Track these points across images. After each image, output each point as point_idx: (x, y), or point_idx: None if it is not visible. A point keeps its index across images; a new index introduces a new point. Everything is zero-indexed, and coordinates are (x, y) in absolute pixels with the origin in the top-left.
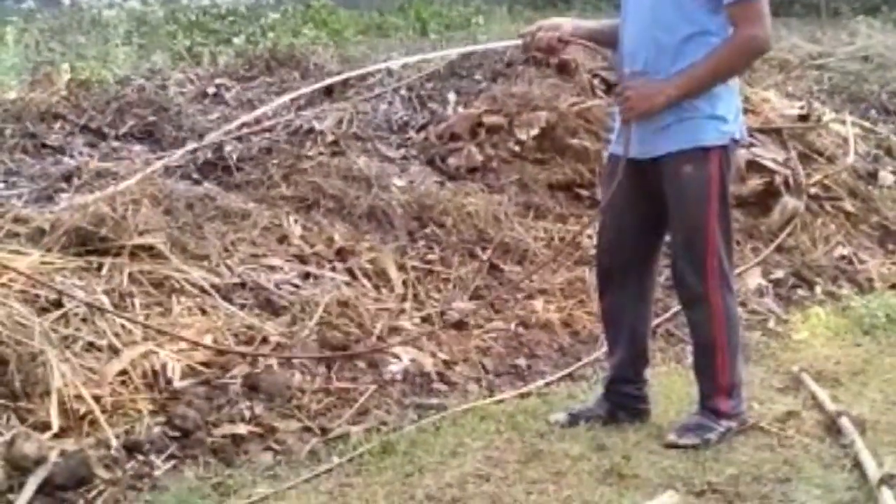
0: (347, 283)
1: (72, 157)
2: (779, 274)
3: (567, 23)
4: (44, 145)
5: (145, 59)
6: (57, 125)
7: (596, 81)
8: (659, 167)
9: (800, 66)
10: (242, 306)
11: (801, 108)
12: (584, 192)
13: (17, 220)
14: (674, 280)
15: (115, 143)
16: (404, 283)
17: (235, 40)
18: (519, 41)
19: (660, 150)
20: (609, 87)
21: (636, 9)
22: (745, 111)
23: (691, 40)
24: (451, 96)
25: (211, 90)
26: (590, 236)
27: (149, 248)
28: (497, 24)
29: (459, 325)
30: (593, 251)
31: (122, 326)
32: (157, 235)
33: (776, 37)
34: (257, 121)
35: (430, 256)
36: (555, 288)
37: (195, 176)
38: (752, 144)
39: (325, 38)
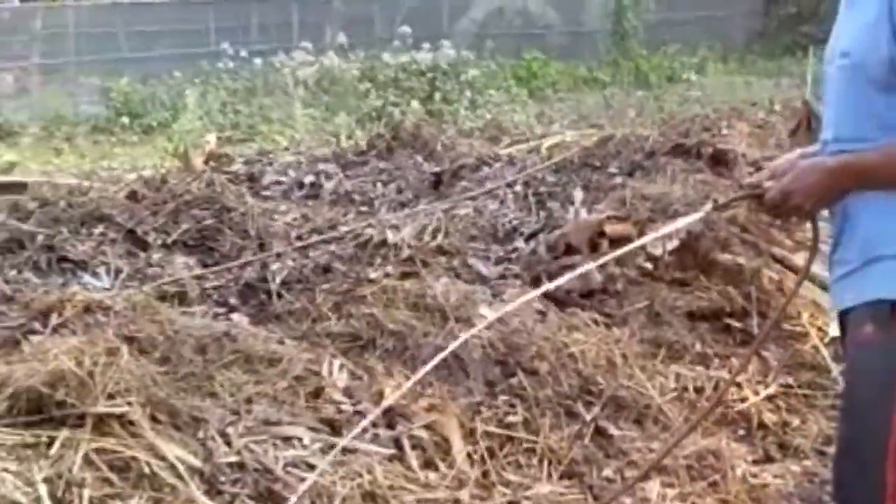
0: (389, 460)
1: (94, 274)
2: None
3: None
4: (63, 259)
5: (328, 122)
6: (99, 228)
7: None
8: (846, 325)
9: None
10: (232, 499)
11: None
12: (736, 324)
13: None
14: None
15: (157, 255)
16: (469, 457)
17: (414, 103)
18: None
19: (843, 300)
20: None
21: (826, 112)
22: None
23: None
24: (578, 194)
25: (308, 179)
26: (739, 385)
27: (120, 416)
28: (712, 76)
29: None
30: (740, 406)
31: None
32: (134, 397)
33: None
34: (332, 226)
35: (510, 418)
36: (679, 464)
37: (232, 302)
38: None
39: (525, 95)
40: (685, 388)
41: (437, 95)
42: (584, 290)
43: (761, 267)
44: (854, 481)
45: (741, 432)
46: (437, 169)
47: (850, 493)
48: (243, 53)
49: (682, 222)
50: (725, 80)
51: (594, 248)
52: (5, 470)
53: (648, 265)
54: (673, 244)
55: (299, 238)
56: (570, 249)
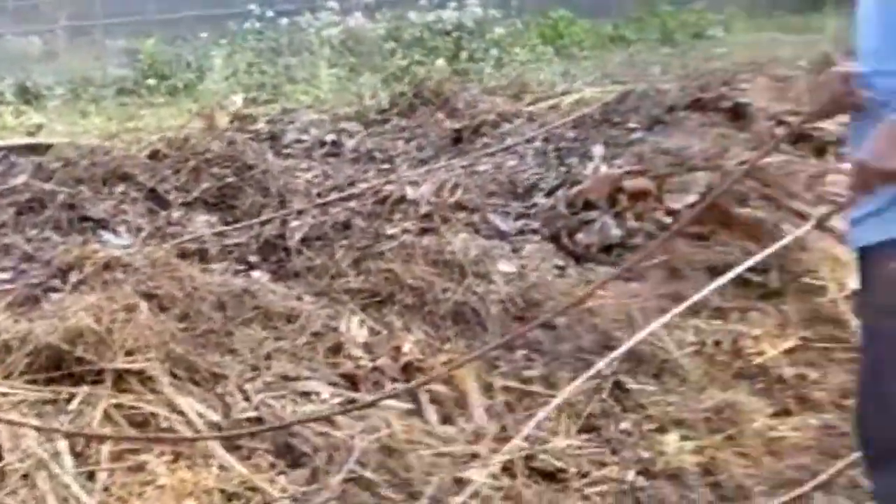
0: (408, 414)
1: (114, 232)
2: None
3: None
4: (83, 217)
5: (353, 82)
6: (120, 187)
7: (779, 130)
8: (867, 264)
9: None
10: (249, 454)
11: None
12: (755, 279)
13: None
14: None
15: (177, 213)
16: (487, 411)
17: (440, 62)
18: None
19: (867, 238)
20: (799, 138)
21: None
22: None
23: None
24: (597, 149)
25: (330, 137)
26: (756, 337)
27: (139, 372)
28: (738, 32)
29: (553, 476)
30: (759, 359)
31: (67, 487)
32: (154, 353)
33: None
34: (352, 184)
35: (528, 372)
36: (697, 417)
37: (252, 259)
38: None
39: (551, 53)
40: (703, 343)
41: (463, 54)
42: (603, 245)
43: (780, 221)
44: (877, 422)
45: (760, 386)
46: (457, 126)
47: (874, 428)
48: (269, 14)
49: None
50: (752, 37)
51: (613, 203)
52: (27, 425)
53: (667, 220)
54: (691, 199)
55: (319, 195)
56: (588, 204)
